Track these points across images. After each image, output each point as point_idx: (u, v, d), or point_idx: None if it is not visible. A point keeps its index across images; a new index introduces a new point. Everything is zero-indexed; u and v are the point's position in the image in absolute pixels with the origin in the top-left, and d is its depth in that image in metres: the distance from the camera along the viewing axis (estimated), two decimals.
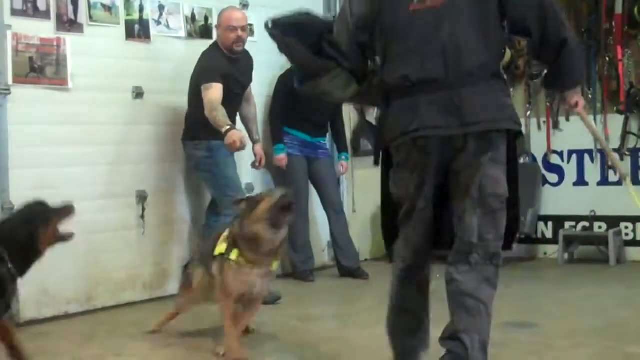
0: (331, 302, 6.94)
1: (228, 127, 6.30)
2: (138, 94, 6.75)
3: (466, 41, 3.76)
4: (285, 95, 7.43)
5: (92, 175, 6.46)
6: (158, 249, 6.92)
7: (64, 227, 4.48)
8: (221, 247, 5.05)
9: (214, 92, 6.42)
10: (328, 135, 7.95)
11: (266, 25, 4.15)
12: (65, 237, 4.50)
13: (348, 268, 7.73)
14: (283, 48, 4.19)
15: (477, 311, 3.86)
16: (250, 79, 6.95)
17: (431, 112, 3.79)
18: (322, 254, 8.21)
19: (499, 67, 3.92)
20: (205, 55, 6.73)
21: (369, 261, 8.35)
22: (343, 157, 7.94)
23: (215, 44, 6.78)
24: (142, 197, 6.76)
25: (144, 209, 6.76)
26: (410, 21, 3.82)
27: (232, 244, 4.97)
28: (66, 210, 4.53)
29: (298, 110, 7.41)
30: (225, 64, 6.63)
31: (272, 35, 4.15)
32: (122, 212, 6.67)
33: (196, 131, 6.67)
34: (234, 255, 4.95)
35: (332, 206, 7.80)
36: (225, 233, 5.11)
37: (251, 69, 6.94)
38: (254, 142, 7.09)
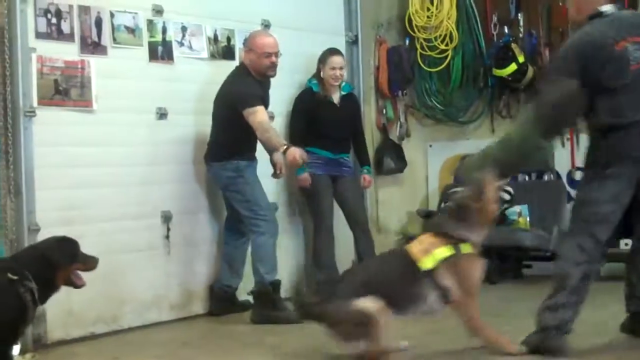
0: None
1: (286, 146, 6.46)
2: (162, 114, 6.79)
3: None
4: (304, 113, 7.47)
5: (117, 196, 6.48)
6: (183, 269, 6.93)
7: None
8: (441, 252, 4.99)
9: (261, 114, 6.56)
10: (351, 151, 7.94)
11: None
12: (78, 284, 4.68)
13: None
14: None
15: None
16: (269, 100, 6.98)
17: None
18: None
19: None
20: (237, 78, 6.76)
21: None
22: (365, 171, 7.92)
23: (244, 68, 6.81)
24: (166, 217, 6.78)
25: (168, 229, 6.78)
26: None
27: (457, 240, 5.01)
28: (91, 263, 4.73)
29: (318, 127, 7.43)
30: (259, 88, 6.71)
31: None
32: (147, 232, 6.69)
33: (223, 152, 6.73)
34: (466, 248, 5.00)
35: (358, 225, 7.78)
36: (428, 240, 5.05)
37: (269, 90, 7.00)
38: (270, 152, 7.09)
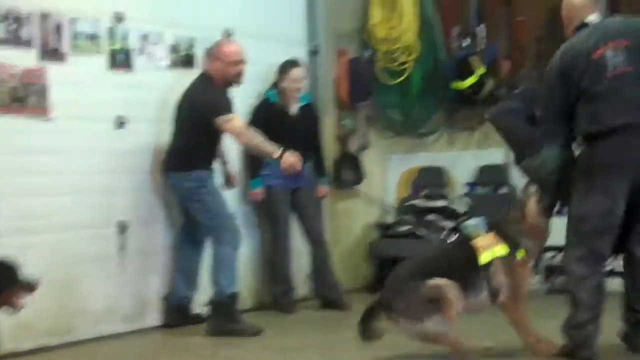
0: (312, 333, 6.86)
1: (281, 151, 6.47)
2: (121, 123, 6.72)
3: None
4: (261, 124, 7.42)
5: (73, 205, 6.40)
6: (138, 280, 6.86)
7: None
8: (500, 250, 5.25)
9: (238, 121, 6.57)
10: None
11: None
12: (17, 307, 4.71)
13: (329, 299, 7.69)
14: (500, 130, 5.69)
15: None
16: None
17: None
18: (303, 285, 8.16)
19: None
20: (205, 87, 6.68)
21: (350, 292, 8.29)
22: (321, 182, 7.91)
23: (208, 77, 6.74)
24: (123, 227, 6.71)
25: (124, 239, 6.71)
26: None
27: (514, 244, 5.27)
28: (30, 287, 4.71)
29: (275, 139, 7.36)
30: (228, 97, 6.68)
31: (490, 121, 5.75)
32: (102, 242, 6.61)
33: (185, 162, 6.66)
34: (521, 254, 5.26)
35: (314, 237, 7.76)
36: (491, 238, 5.29)
37: None
38: (224, 163, 7.14)
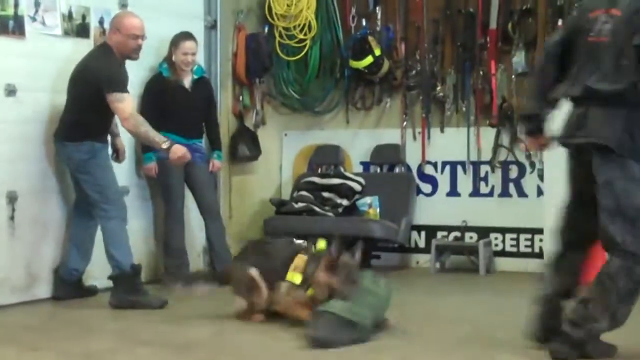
0: (205, 307, 6.82)
1: (169, 143, 6.37)
2: (10, 91, 6.57)
3: None
4: (154, 97, 7.36)
5: None
6: (28, 251, 6.74)
7: None
8: (295, 278, 5.72)
9: (129, 104, 6.41)
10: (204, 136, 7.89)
11: None
12: None
13: (222, 273, 7.67)
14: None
15: None
16: None
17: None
18: (198, 259, 8.14)
19: None
20: (103, 58, 6.55)
21: None
22: (215, 156, 7.84)
23: (108, 48, 6.61)
24: (12, 198, 6.58)
25: (14, 210, 6.58)
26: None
27: (307, 283, 5.67)
28: None
29: (169, 112, 7.28)
30: (126, 73, 6.57)
31: None
32: None
33: (78, 132, 6.54)
34: (310, 292, 5.66)
35: (208, 211, 7.74)
36: (298, 262, 5.76)
37: None
38: (113, 136, 6.99)
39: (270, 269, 5.83)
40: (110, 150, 6.94)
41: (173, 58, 7.48)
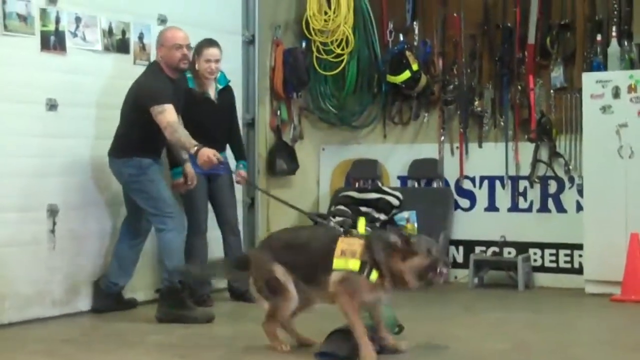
0: (248, 322, 6.73)
1: (197, 147, 6.27)
2: (52, 106, 6.65)
3: None
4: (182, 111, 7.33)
5: (3, 187, 6.32)
6: (68, 264, 6.79)
7: None
8: (352, 264, 5.04)
9: (170, 114, 6.39)
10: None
11: None
12: None
13: (238, 290, 7.56)
14: None
15: None
16: (182, 102, 6.82)
17: None
18: None
19: None
20: (148, 75, 6.63)
21: None
22: (241, 166, 7.57)
23: (155, 65, 6.69)
24: (53, 211, 6.64)
25: (54, 223, 6.64)
26: None
27: (372, 265, 5.02)
28: None
29: (195, 126, 7.19)
30: (170, 86, 6.58)
31: None
32: (32, 225, 6.53)
33: (126, 148, 6.61)
34: (374, 276, 5.01)
35: (228, 227, 7.60)
36: (354, 247, 5.07)
37: (183, 92, 6.88)
38: (182, 162, 7.05)
39: (306, 262, 5.22)
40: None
41: (197, 66, 7.27)
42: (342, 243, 5.12)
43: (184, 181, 7.14)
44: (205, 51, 7.24)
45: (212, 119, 7.29)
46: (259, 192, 8.25)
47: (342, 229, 5.37)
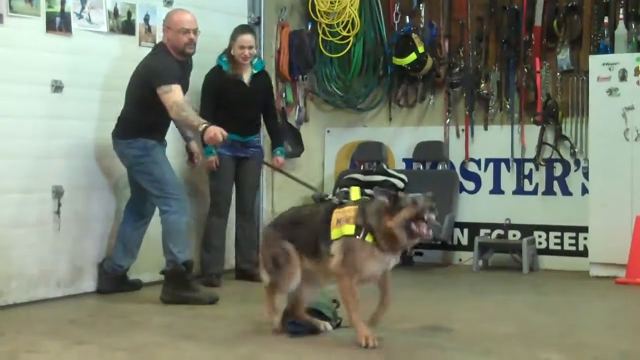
0: (251, 303, 6.73)
1: (205, 125, 6.26)
2: (57, 87, 6.66)
3: None
4: (214, 93, 7.37)
5: (7, 168, 6.34)
6: (73, 245, 6.82)
7: None
8: (347, 229, 5.10)
9: (176, 93, 6.39)
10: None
11: None
12: None
13: (245, 271, 7.66)
14: None
15: None
16: (188, 84, 6.86)
17: None
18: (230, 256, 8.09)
19: None
20: (155, 56, 6.64)
21: None
22: (278, 152, 7.84)
23: (162, 46, 6.70)
24: (58, 193, 6.66)
25: (59, 205, 6.65)
26: None
27: (366, 229, 5.07)
28: None
29: (227, 108, 7.30)
30: (177, 68, 6.57)
31: None
32: (38, 207, 6.57)
33: (131, 130, 6.61)
34: (369, 239, 5.06)
35: (243, 211, 7.74)
36: (348, 214, 5.13)
37: (189, 73, 6.90)
38: (187, 140, 7.11)
39: (307, 235, 5.29)
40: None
41: (232, 52, 7.45)
42: (337, 213, 5.21)
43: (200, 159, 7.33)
44: (239, 37, 7.43)
45: (244, 102, 7.42)
46: (263, 175, 8.26)
47: (336, 201, 5.47)
